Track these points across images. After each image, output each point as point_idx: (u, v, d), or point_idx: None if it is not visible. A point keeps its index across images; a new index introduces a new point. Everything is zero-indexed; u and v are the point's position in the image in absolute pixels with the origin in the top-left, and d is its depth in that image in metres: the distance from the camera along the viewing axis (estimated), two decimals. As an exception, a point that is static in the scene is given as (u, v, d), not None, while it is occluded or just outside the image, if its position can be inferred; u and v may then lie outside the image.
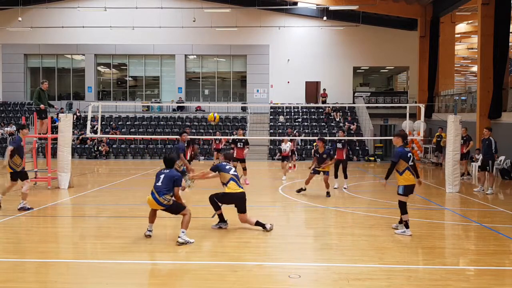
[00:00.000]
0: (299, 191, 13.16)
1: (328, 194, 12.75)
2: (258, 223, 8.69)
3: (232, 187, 8.60)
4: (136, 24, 30.61)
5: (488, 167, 13.82)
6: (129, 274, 6.28)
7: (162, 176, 7.92)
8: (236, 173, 8.79)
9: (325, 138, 14.24)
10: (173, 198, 7.94)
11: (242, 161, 15.60)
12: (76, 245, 7.91)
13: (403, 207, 8.46)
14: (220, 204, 8.82)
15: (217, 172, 8.79)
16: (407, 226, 8.45)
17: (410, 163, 8.47)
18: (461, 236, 8.86)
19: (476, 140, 20.45)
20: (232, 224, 9.09)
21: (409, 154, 8.49)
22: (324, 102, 30.74)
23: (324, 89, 31.33)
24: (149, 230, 8.17)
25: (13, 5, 29.80)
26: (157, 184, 7.87)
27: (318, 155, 13.00)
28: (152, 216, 8.20)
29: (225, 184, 8.70)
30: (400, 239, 8.21)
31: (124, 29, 31.10)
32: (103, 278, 6.05)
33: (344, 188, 14.20)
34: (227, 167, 8.82)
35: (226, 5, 30.64)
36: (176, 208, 8.00)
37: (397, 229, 8.68)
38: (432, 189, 15.31)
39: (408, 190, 8.49)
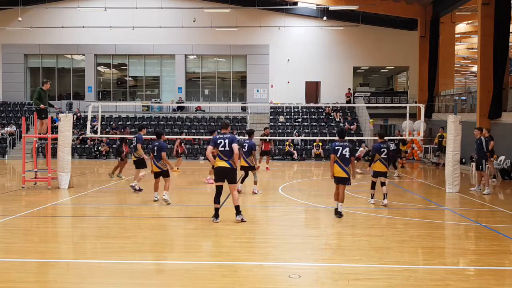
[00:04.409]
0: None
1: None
2: (236, 208, 9.20)
3: (217, 163, 9.18)
4: (136, 24, 30.61)
5: (481, 166, 13.82)
6: (129, 274, 6.28)
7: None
8: (222, 149, 9.09)
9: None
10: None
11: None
12: (76, 245, 7.91)
13: None
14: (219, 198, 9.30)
15: (213, 145, 9.25)
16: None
17: None
18: (461, 236, 8.86)
19: (476, 140, 20.48)
20: (232, 224, 9.10)
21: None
22: (349, 102, 30.70)
23: (349, 89, 31.35)
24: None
25: (13, 5, 29.79)
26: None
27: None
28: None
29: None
30: (399, 239, 8.22)
31: (124, 29, 31.08)
32: (103, 278, 6.06)
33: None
34: (219, 141, 9.13)
35: (226, 5, 30.64)
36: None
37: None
38: (432, 189, 15.32)
39: None
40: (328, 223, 9.73)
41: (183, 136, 20.59)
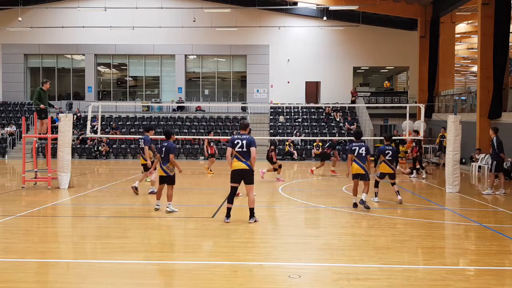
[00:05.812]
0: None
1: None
2: (251, 210, 9.22)
3: (234, 165, 9.13)
4: (136, 24, 30.60)
5: (491, 168, 13.79)
6: (129, 274, 6.28)
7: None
8: (240, 150, 9.02)
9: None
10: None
11: None
12: (76, 245, 7.91)
13: None
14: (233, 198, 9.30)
15: (231, 146, 9.22)
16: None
17: None
18: (461, 236, 8.86)
19: (476, 140, 20.49)
20: (232, 224, 9.10)
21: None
22: (353, 102, 30.73)
23: (355, 88, 31.33)
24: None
25: (13, 5, 29.77)
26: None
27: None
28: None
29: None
30: (399, 239, 8.21)
31: (124, 29, 31.07)
32: (103, 278, 6.06)
33: None
34: (236, 141, 9.09)
35: (226, 5, 30.64)
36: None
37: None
38: (432, 189, 15.32)
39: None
40: (328, 223, 9.74)
41: (211, 136, 20.34)
